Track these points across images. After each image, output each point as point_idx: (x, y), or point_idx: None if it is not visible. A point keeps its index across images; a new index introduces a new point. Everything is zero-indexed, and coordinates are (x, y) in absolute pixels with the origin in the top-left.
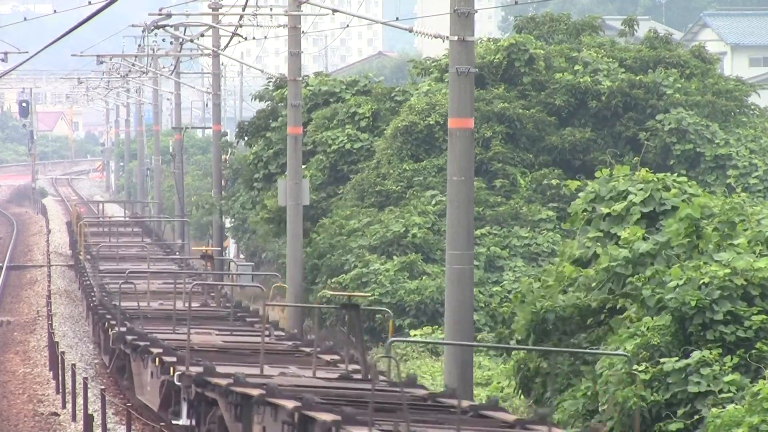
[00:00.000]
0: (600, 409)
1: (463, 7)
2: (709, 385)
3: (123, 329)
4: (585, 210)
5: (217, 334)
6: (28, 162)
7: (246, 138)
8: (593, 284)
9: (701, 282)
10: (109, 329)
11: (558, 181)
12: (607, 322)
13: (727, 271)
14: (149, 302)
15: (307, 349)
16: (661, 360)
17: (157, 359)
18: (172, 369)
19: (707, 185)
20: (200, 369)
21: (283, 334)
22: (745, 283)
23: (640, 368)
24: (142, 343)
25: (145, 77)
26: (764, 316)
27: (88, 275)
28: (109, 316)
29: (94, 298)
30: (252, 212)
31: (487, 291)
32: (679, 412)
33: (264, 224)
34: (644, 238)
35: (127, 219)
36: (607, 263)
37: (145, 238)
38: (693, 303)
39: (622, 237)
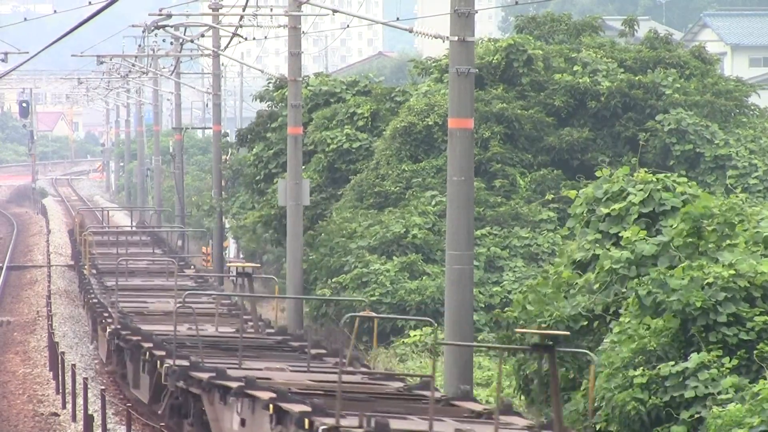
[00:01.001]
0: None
1: (464, 8)
2: (707, 388)
3: (184, 363)
4: (584, 212)
5: (292, 370)
6: (28, 162)
7: (247, 144)
8: (595, 286)
9: (705, 282)
10: (158, 363)
11: (553, 196)
12: (610, 324)
13: (732, 272)
14: (176, 326)
15: (440, 395)
16: (659, 366)
17: (270, 407)
18: (307, 422)
19: (707, 186)
20: (354, 423)
21: (366, 369)
22: (748, 285)
23: (636, 372)
24: (231, 384)
25: (145, 77)
26: (767, 317)
27: (95, 293)
28: (148, 345)
29: (109, 320)
30: (251, 212)
31: (487, 291)
32: (683, 415)
33: (261, 226)
34: (644, 239)
35: (135, 228)
36: (609, 265)
37: (156, 248)
38: (698, 304)
39: (624, 237)
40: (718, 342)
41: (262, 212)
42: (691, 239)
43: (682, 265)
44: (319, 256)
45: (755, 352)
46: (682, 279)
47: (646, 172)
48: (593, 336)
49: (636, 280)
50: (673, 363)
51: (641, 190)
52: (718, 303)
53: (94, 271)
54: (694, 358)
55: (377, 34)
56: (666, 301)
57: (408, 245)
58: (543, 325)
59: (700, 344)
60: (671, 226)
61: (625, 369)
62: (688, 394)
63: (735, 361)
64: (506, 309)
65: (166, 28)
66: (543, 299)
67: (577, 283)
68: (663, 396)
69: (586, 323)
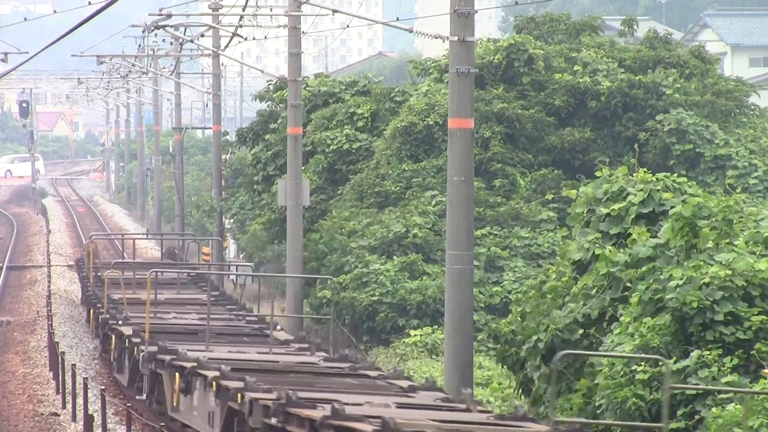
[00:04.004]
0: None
1: (463, 8)
2: (707, 386)
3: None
4: (583, 212)
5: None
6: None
7: (247, 143)
8: (593, 291)
9: (702, 282)
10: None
11: (553, 195)
12: (608, 328)
13: (728, 271)
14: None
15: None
16: (661, 363)
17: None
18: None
19: (707, 186)
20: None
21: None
22: (745, 283)
23: (639, 368)
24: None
25: (145, 77)
26: (764, 317)
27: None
28: None
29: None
30: (252, 212)
31: (487, 291)
32: (679, 412)
33: (262, 231)
34: (646, 240)
35: (165, 261)
36: (606, 269)
37: (192, 287)
38: (694, 304)
39: (631, 235)
40: (716, 341)
41: (265, 218)
42: (685, 238)
43: (677, 267)
44: (315, 249)
45: (753, 351)
46: (680, 279)
47: (645, 172)
48: (590, 340)
49: (632, 271)
50: (674, 359)
51: (641, 190)
52: (715, 302)
53: (138, 334)
54: (694, 355)
55: (377, 34)
56: (664, 299)
57: (408, 245)
58: (539, 345)
59: (699, 343)
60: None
61: (627, 366)
62: (690, 391)
63: (735, 360)
64: (502, 321)
65: (166, 28)
66: (539, 311)
67: (574, 288)
68: (663, 393)
69: (582, 331)
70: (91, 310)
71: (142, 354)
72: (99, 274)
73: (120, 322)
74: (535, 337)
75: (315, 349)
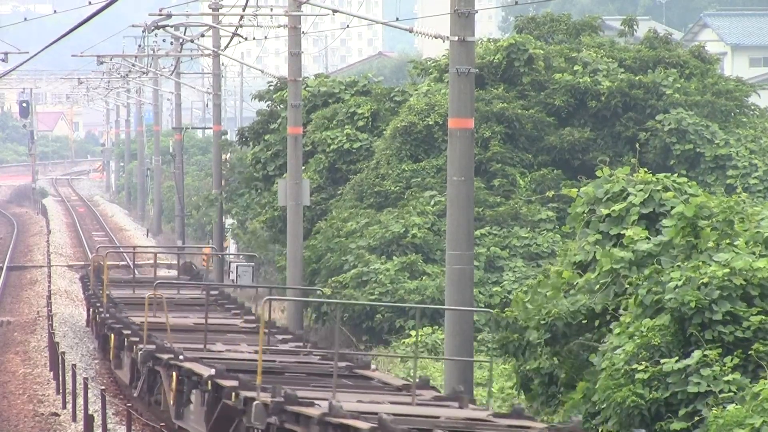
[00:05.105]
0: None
1: (464, 8)
2: (709, 386)
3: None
4: (584, 212)
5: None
6: (28, 162)
7: (248, 142)
8: (596, 287)
9: (701, 282)
10: None
11: (553, 193)
12: (612, 322)
13: (726, 271)
14: None
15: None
16: (661, 360)
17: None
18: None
19: (707, 185)
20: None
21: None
22: (744, 283)
23: (639, 367)
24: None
25: (145, 77)
26: (763, 317)
27: None
28: None
29: None
30: (252, 212)
31: (487, 291)
32: (681, 412)
33: (263, 230)
34: (647, 239)
35: (186, 280)
36: (610, 265)
37: (217, 310)
38: (693, 304)
39: (626, 235)
40: (715, 340)
41: (267, 215)
42: (687, 239)
43: (676, 265)
44: (315, 250)
45: (751, 351)
46: (679, 279)
47: (646, 172)
48: (593, 334)
49: (635, 277)
50: (676, 359)
51: (641, 190)
52: (713, 302)
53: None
54: (696, 355)
55: (377, 34)
56: (663, 300)
57: (408, 245)
58: (542, 322)
59: (698, 343)
60: (669, 226)
61: (628, 364)
62: (691, 389)
63: (735, 360)
64: (506, 309)
65: (166, 28)
66: (542, 299)
67: (577, 283)
68: (664, 392)
69: (585, 321)
70: (113, 337)
71: (255, 404)
72: (108, 293)
73: (181, 357)
74: (537, 318)
75: (467, 400)
